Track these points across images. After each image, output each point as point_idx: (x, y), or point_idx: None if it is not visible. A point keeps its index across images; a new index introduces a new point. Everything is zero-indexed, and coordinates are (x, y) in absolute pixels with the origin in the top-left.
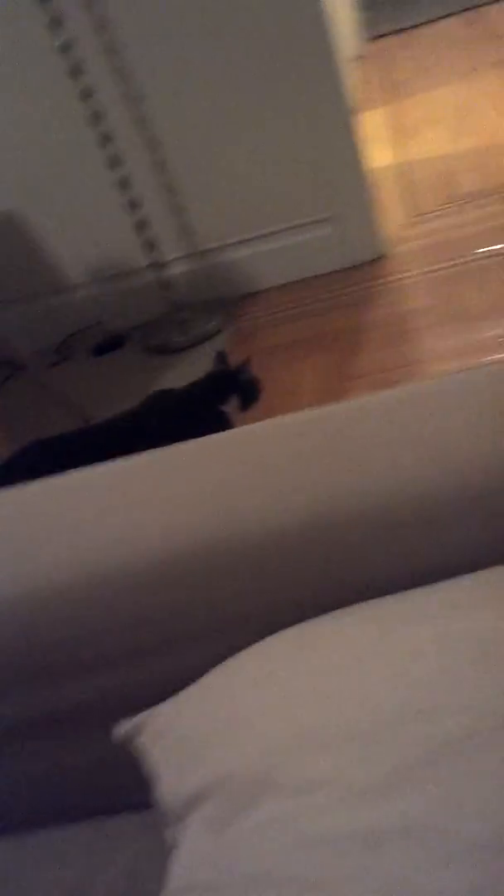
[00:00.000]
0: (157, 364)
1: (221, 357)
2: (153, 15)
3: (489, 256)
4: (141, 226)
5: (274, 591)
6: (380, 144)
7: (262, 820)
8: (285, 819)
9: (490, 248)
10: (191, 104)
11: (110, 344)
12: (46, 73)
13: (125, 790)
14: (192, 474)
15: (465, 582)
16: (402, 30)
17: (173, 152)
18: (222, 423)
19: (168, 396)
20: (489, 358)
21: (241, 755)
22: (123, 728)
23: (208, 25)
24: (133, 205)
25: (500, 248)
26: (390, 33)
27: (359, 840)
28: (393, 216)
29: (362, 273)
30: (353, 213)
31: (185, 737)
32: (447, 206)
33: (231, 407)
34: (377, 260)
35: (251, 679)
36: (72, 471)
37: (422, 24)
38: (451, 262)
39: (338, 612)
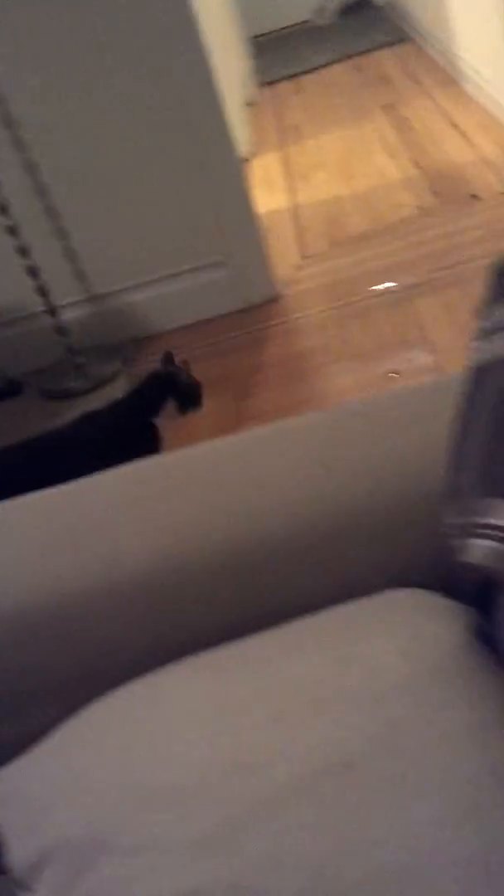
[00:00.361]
0: (56, 409)
1: (168, 357)
2: (35, 58)
3: (378, 295)
4: (33, 272)
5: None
6: (272, 188)
7: (99, 883)
8: (119, 882)
9: (378, 286)
10: (79, 150)
11: (7, 390)
12: None
13: None
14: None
15: (297, 627)
16: (293, 76)
17: (62, 198)
18: (153, 438)
19: (97, 412)
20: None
21: (79, 817)
22: None
23: (98, 72)
24: (23, 251)
25: (388, 287)
26: (282, 79)
27: None
28: (286, 258)
29: (257, 314)
30: (245, 256)
31: (28, 799)
32: (337, 247)
33: (167, 413)
34: (271, 301)
35: (87, 738)
36: None
37: (312, 69)
38: (342, 302)
39: (172, 667)
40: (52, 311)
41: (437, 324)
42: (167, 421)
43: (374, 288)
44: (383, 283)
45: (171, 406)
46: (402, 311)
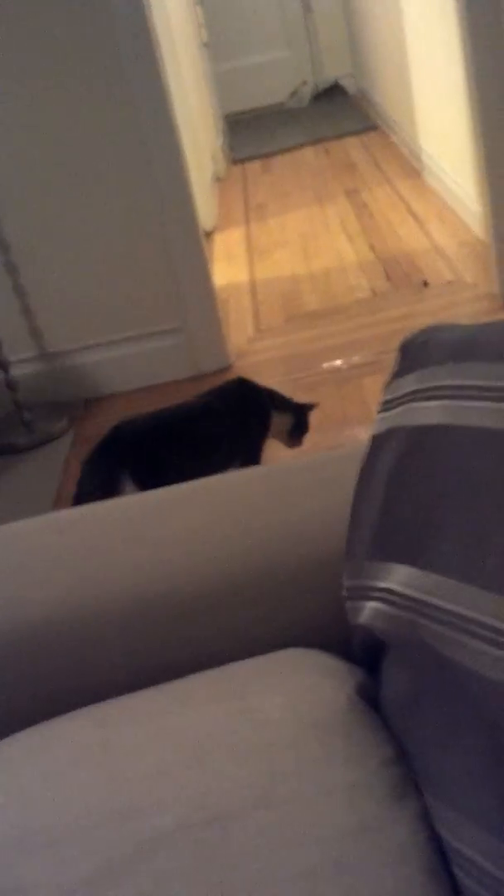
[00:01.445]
0: (0, 464)
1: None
2: (5, 122)
3: (327, 372)
4: None
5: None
6: (233, 262)
7: None
8: None
9: (328, 363)
10: (43, 210)
11: None
12: None
13: None
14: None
15: (193, 680)
16: (262, 155)
17: (22, 255)
18: (266, 425)
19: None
20: None
21: None
22: None
23: (66, 133)
24: None
25: (337, 365)
26: (252, 157)
27: None
28: (241, 330)
29: (208, 383)
30: (201, 324)
31: None
32: (292, 323)
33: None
34: (223, 370)
35: None
36: None
37: (282, 150)
38: (292, 376)
39: (69, 715)
40: (3, 365)
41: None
42: None
43: (324, 365)
44: (333, 360)
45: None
46: (348, 388)
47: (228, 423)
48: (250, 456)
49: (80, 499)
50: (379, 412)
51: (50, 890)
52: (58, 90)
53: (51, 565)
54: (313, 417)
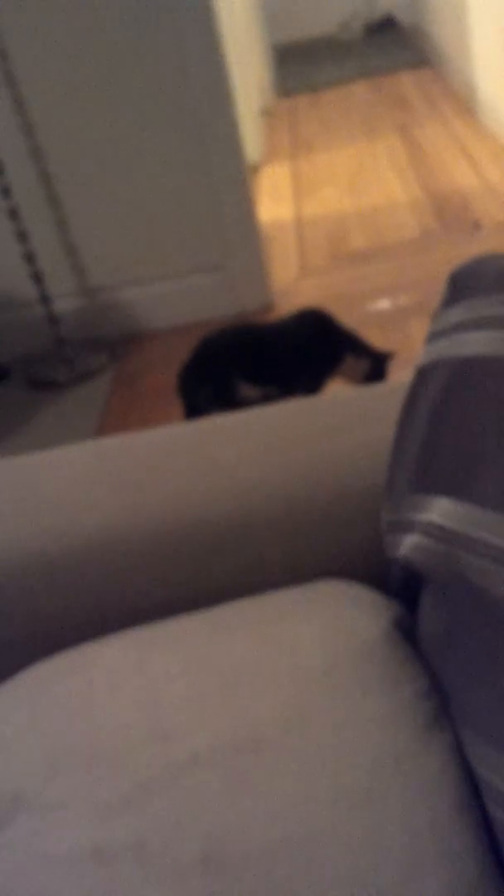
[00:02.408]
0: (40, 398)
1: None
2: (52, 50)
3: (372, 314)
4: (29, 258)
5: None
6: (279, 198)
7: (12, 838)
8: (30, 837)
9: (374, 304)
10: (87, 142)
11: None
12: None
13: None
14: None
15: (229, 609)
16: (311, 88)
17: (66, 188)
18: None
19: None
20: None
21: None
22: None
23: (107, 65)
24: (21, 236)
25: (384, 306)
26: (301, 91)
27: (93, 856)
28: (284, 268)
29: (250, 321)
30: (244, 262)
31: None
32: (337, 262)
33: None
34: (265, 310)
35: (15, 703)
36: None
37: (332, 84)
38: (336, 317)
39: (106, 639)
40: (44, 299)
41: None
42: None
43: (369, 306)
44: (379, 301)
45: None
46: (395, 330)
47: (300, 349)
48: (310, 388)
49: (197, 408)
50: (426, 343)
51: (86, 806)
52: (99, 18)
53: (94, 490)
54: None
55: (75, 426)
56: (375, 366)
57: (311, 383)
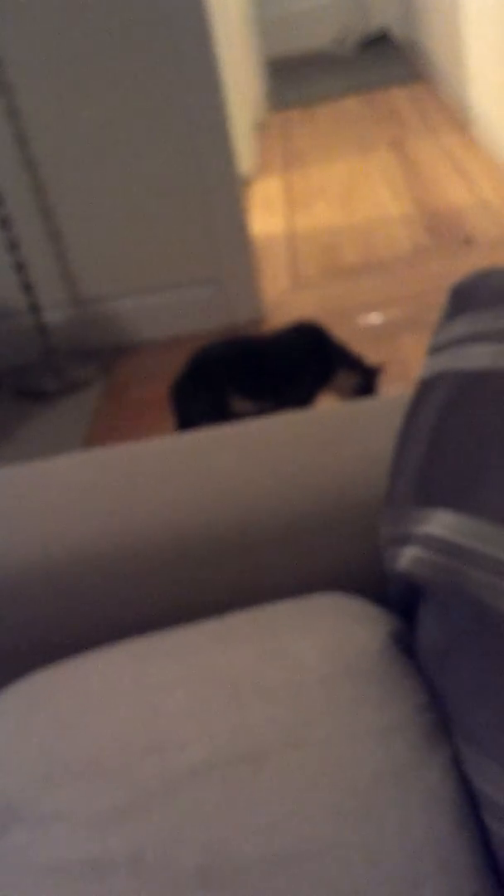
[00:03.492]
0: (28, 408)
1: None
2: (46, 60)
3: (364, 328)
4: (20, 268)
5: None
6: (271, 211)
7: (5, 849)
8: (25, 848)
9: (365, 318)
10: (80, 152)
11: None
12: None
13: None
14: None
15: (228, 621)
16: (305, 102)
17: (59, 198)
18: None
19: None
20: None
21: None
22: None
23: (105, 75)
24: (12, 245)
25: (375, 320)
26: (294, 105)
27: (89, 868)
28: (276, 281)
29: (241, 334)
30: (235, 275)
31: None
32: (329, 276)
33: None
34: (257, 322)
35: (9, 714)
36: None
37: (325, 98)
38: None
39: (105, 649)
40: (34, 309)
41: (419, 360)
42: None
43: (361, 319)
44: (370, 315)
45: None
46: (386, 344)
47: (295, 362)
48: (302, 401)
49: (190, 421)
50: (427, 355)
51: (81, 819)
52: (96, 28)
53: (89, 500)
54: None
55: (63, 436)
56: (366, 380)
57: (303, 396)
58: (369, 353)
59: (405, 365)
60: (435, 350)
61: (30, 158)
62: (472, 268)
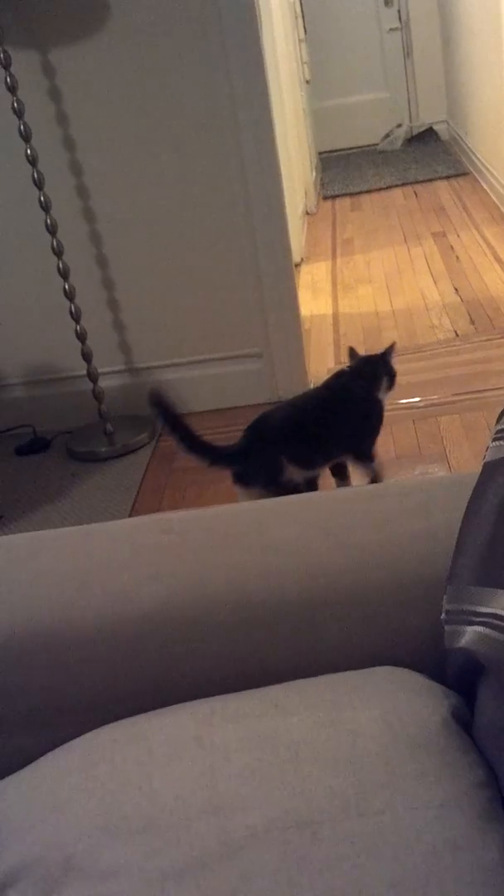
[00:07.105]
0: (79, 470)
1: (352, 351)
2: (113, 145)
3: (404, 409)
4: (81, 336)
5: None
6: (318, 293)
7: None
8: None
9: (405, 400)
10: (144, 231)
11: (33, 445)
12: (13, 184)
13: None
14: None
15: (287, 688)
16: (352, 193)
17: (119, 271)
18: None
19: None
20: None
21: (53, 839)
22: None
23: (169, 166)
24: (75, 315)
25: (415, 402)
26: (342, 195)
27: None
28: (321, 359)
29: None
30: (283, 352)
31: (7, 817)
32: None
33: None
34: None
35: (72, 766)
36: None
37: (372, 190)
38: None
39: (167, 709)
40: (92, 376)
41: (456, 443)
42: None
43: (401, 400)
44: (411, 397)
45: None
46: (425, 425)
47: (343, 415)
48: (363, 450)
49: (248, 482)
50: (492, 440)
51: (140, 876)
52: (165, 115)
53: (156, 563)
54: (387, 450)
55: (113, 498)
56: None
57: (362, 447)
58: (408, 431)
59: (442, 444)
60: (500, 435)
61: (94, 232)
62: None
